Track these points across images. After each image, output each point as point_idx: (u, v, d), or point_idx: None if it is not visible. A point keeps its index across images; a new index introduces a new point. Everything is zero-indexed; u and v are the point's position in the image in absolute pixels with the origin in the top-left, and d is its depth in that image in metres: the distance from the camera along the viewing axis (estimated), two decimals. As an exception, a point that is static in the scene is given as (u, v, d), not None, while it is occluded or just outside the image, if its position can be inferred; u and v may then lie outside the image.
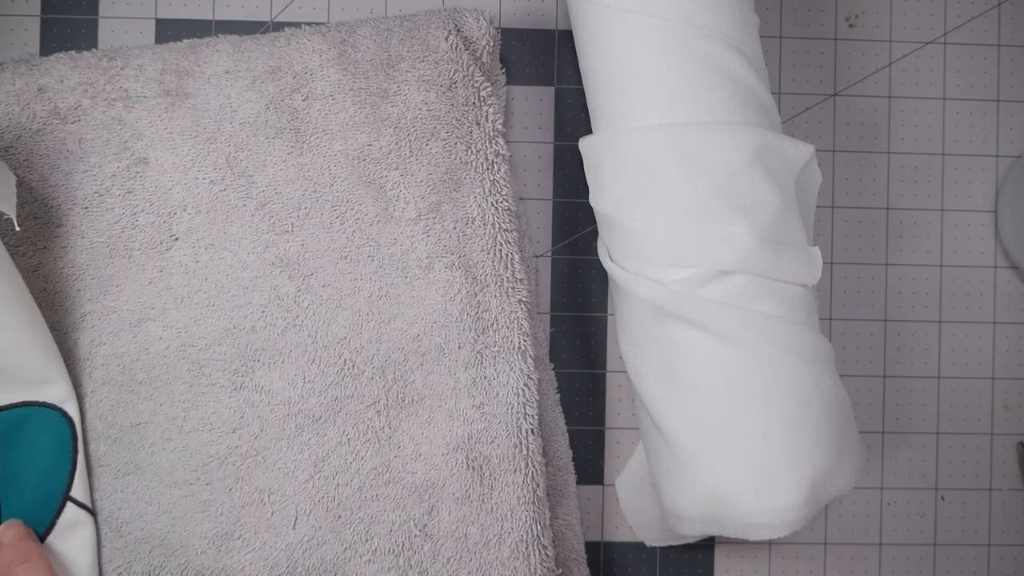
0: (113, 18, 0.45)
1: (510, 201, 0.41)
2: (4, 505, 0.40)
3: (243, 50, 0.42)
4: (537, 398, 0.41)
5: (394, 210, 0.41)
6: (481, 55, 0.42)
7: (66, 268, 0.42)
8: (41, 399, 0.40)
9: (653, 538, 0.44)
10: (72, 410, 0.41)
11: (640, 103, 0.38)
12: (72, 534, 0.40)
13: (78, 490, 0.41)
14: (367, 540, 0.40)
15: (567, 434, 0.44)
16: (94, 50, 0.43)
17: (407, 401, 0.41)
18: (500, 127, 0.42)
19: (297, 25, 0.43)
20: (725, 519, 0.37)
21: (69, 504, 0.40)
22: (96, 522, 0.41)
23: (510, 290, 0.41)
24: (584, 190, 0.42)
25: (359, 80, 0.42)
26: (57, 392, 0.40)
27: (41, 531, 0.40)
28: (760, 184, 0.37)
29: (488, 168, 0.41)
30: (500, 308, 0.41)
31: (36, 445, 0.40)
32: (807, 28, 0.46)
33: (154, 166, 0.42)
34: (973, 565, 0.46)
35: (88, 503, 0.41)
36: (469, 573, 0.40)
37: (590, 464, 0.45)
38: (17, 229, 0.39)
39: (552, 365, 0.45)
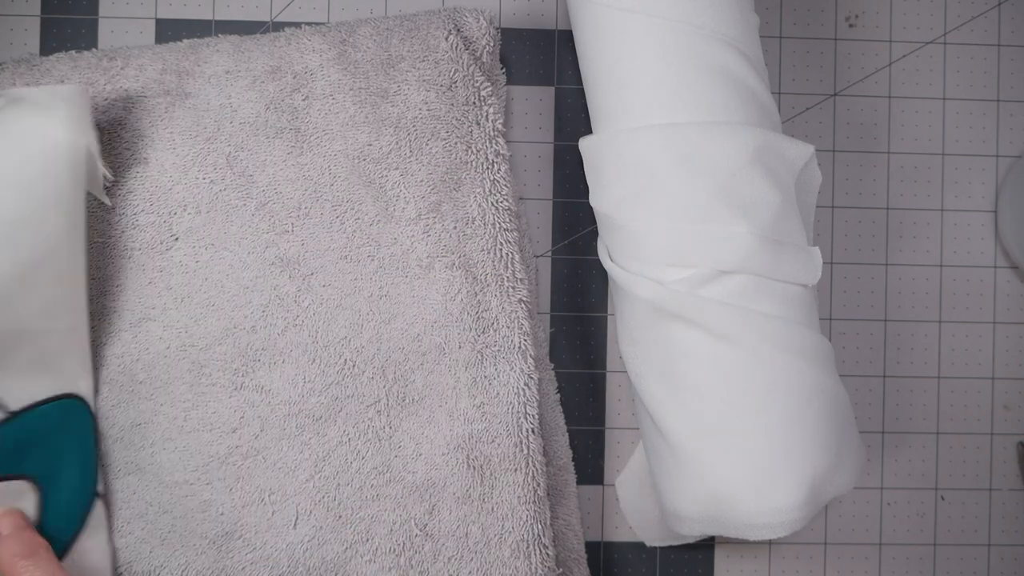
0: (113, 18, 0.45)
1: (510, 201, 0.41)
2: (48, 502, 0.38)
3: (243, 50, 0.42)
4: (537, 398, 0.41)
5: (394, 210, 0.41)
6: (481, 55, 0.42)
7: (66, 268, 0.42)
8: (77, 392, 0.40)
9: (653, 538, 0.44)
10: (93, 406, 0.41)
11: (640, 103, 0.38)
12: (98, 532, 0.40)
13: (100, 485, 0.40)
14: (368, 540, 0.40)
15: (567, 434, 0.44)
16: (94, 50, 0.43)
17: (407, 401, 0.41)
18: (500, 127, 0.42)
19: (297, 25, 0.43)
20: (725, 519, 0.37)
21: (97, 500, 0.40)
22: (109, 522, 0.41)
23: (510, 290, 0.41)
24: (584, 190, 0.42)
25: (359, 80, 0.42)
26: (85, 386, 0.40)
27: (75, 528, 0.39)
28: (760, 184, 0.37)
29: (488, 168, 0.41)
30: (500, 308, 0.41)
31: (76, 438, 0.40)
32: (807, 28, 0.46)
33: (154, 166, 0.42)
34: (973, 565, 0.46)
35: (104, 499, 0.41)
36: (470, 572, 0.40)
37: (590, 464, 0.45)
38: (108, 203, 0.39)
39: (552, 365, 0.45)
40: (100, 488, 0.40)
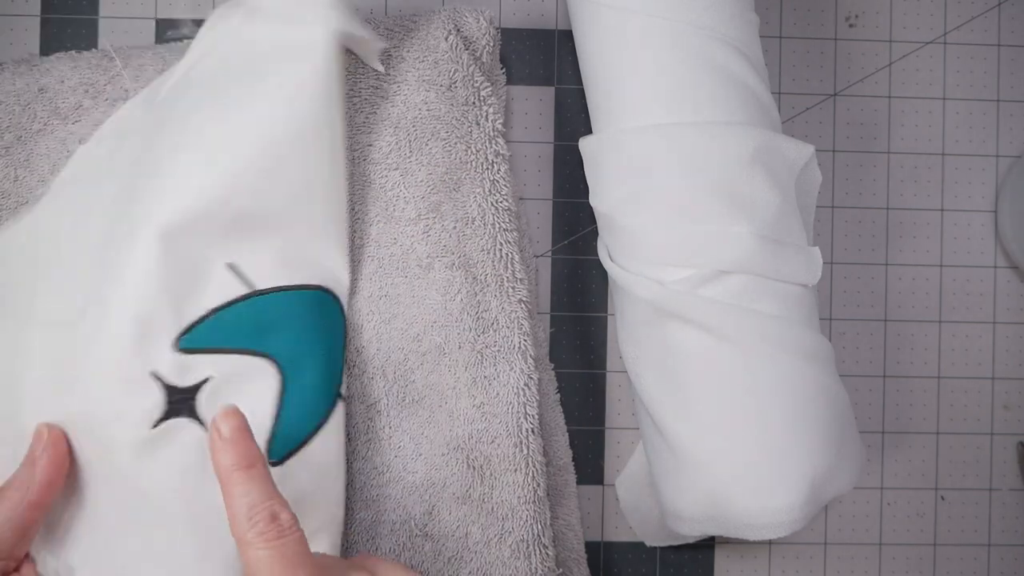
0: (113, 18, 0.45)
1: (510, 201, 0.41)
2: (288, 387, 0.37)
3: (243, 50, 0.42)
4: (537, 398, 0.41)
5: (394, 210, 0.41)
6: (481, 55, 0.42)
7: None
8: (331, 287, 0.39)
9: (653, 538, 0.44)
10: (346, 306, 0.40)
11: (640, 103, 0.38)
12: (338, 433, 0.39)
13: (344, 388, 0.40)
14: (368, 540, 0.40)
15: (567, 434, 0.44)
16: (94, 50, 0.43)
17: (407, 401, 0.41)
18: (500, 127, 0.42)
19: (297, 25, 0.43)
20: (725, 519, 0.37)
21: (339, 401, 0.39)
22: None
23: (510, 290, 0.41)
24: (584, 190, 0.42)
25: (359, 80, 0.42)
26: (343, 284, 0.40)
27: (315, 424, 0.38)
28: (760, 184, 0.37)
29: (488, 168, 0.41)
30: (500, 308, 0.41)
31: (324, 333, 0.39)
32: (807, 28, 0.46)
33: (154, 166, 0.42)
34: (973, 565, 0.46)
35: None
36: (470, 573, 0.40)
37: (590, 464, 0.45)
38: (380, 69, 0.40)
39: (552, 365, 0.45)
40: (344, 390, 0.39)
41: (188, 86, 0.39)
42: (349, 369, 0.41)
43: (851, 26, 0.46)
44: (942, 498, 0.46)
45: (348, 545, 0.40)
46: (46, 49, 0.45)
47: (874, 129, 0.46)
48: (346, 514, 0.40)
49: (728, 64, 0.37)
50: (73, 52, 0.43)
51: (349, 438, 0.41)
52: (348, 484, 0.40)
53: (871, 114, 0.46)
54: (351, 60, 0.42)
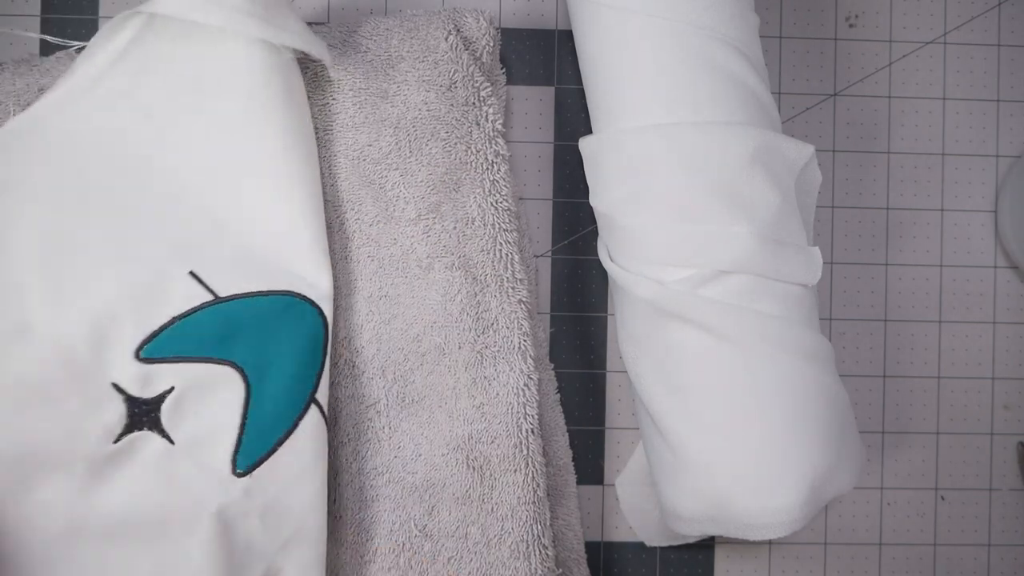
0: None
1: (510, 201, 0.41)
2: (254, 395, 0.37)
3: (243, 50, 0.42)
4: (537, 398, 0.41)
5: (394, 210, 0.41)
6: (481, 55, 0.42)
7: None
8: (303, 292, 0.38)
9: (653, 538, 0.44)
10: (328, 311, 0.39)
11: (640, 103, 0.38)
12: (311, 440, 0.38)
13: (322, 394, 0.38)
14: (367, 540, 0.40)
15: (567, 434, 0.44)
16: (94, 50, 0.43)
17: (407, 401, 0.41)
18: (500, 127, 0.42)
19: (297, 25, 0.43)
20: (725, 519, 0.37)
21: (312, 407, 0.38)
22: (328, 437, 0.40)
23: (510, 290, 0.41)
24: (584, 190, 0.42)
25: (359, 80, 0.42)
26: (320, 289, 0.39)
27: (284, 430, 0.37)
28: (760, 184, 0.37)
29: (488, 168, 0.41)
30: (500, 308, 0.41)
31: (294, 338, 0.38)
32: (807, 28, 0.46)
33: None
34: (973, 565, 0.46)
35: (326, 411, 0.39)
36: (469, 573, 0.40)
37: (590, 464, 0.45)
38: (327, 61, 0.39)
39: (552, 365, 0.45)
40: (320, 397, 0.38)
41: (106, 101, 0.38)
42: (349, 370, 0.41)
43: (851, 26, 0.46)
44: (942, 498, 0.46)
45: (347, 545, 0.40)
46: (46, 49, 0.45)
47: (874, 129, 0.46)
48: (339, 517, 0.40)
49: (728, 64, 0.37)
50: (73, 52, 0.43)
51: (348, 439, 0.41)
52: (348, 484, 0.40)
53: (871, 114, 0.46)
54: (350, 61, 0.42)
